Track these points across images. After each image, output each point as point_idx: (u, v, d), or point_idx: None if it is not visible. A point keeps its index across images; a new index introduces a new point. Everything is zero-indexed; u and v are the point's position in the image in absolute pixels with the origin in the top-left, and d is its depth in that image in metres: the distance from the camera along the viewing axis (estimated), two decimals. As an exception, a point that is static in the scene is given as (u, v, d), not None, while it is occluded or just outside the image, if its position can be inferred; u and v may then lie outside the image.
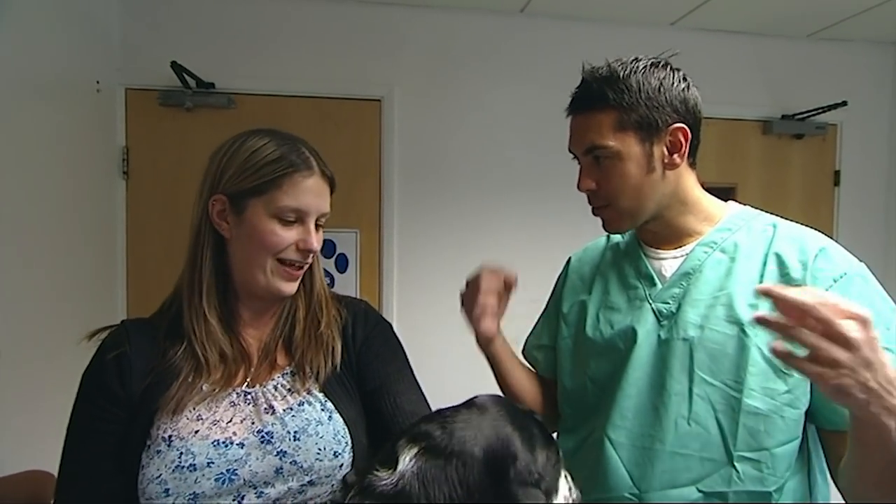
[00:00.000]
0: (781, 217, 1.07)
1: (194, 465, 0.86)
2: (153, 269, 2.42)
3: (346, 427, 0.95)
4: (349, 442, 0.95)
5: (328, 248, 2.56)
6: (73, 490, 0.91)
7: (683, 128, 1.01)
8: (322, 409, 0.96)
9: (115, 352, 0.94)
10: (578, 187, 1.06)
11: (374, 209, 2.61)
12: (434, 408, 1.04)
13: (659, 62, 1.03)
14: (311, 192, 0.97)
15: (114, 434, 0.90)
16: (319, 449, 0.92)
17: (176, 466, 0.86)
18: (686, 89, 1.03)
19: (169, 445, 0.87)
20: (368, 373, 1.02)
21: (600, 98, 1.00)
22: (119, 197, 2.41)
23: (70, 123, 2.00)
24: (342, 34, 2.57)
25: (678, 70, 1.04)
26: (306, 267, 1.01)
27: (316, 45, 2.55)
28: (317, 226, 1.00)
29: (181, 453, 0.86)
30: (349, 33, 2.57)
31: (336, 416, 0.96)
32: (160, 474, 0.86)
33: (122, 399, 0.92)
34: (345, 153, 2.54)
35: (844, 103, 2.75)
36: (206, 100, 2.44)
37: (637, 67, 1.00)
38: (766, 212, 1.09)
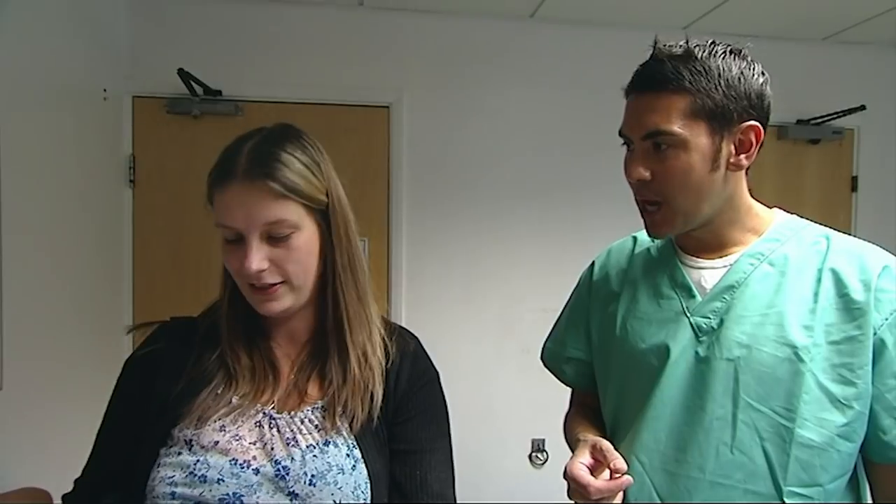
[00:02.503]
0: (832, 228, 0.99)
1: (206, 476, 0.83)
2: (160, 277, 2.40)
3: (368, 481, 0.87)
4: (369, 499, 0.87)
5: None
6: (89, 469, 0.93)
7: (757, 127, 0.91)
8: (347, 455, 0.87)
9: (147, 349, 0.94)
10: (628, 174, 0.95)
11: (382, 217, 2.58)
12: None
13: (739, 50, 0.93)
14: (235, 204, 0.83)
15: (130, 430, 0.90)
16: (335, 501, 0.84)
17: (189, 472, 0.83)
18: (765, 84, 0.93)
19: (189, 449, 0.85)
20: (404, 431, 0.93)
21: (674, 78, 0.88)
22: (126, 205, 2.40)
23: (77, 131, 1.98)
24: (350, 41, 2.55)
25: (757, 62, 0.94)
26: (277, 285, 0.86)
27: (323, 52, 2.53)
28: (276, 238, 0.84)
29: (198, 460, 0.84)
30: (357, 40, 2.56)
31: (361, 466, 0.88)
32: (173, 476, 0.83)
33: (141, 398, 0.90)
34: (353, 160, 2.52)
35: (863, 107, 2.69)
36: (213, 107, 2.42)
37: (716, 51, 0.90)
38: (816, 222, 1.01)
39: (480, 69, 2.64)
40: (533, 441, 2.65)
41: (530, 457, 2.66)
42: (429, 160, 2.61)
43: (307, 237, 0.87)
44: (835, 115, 2.76)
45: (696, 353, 0.94)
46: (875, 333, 0.87)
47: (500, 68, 2.65)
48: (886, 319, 0.87)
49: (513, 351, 2.60)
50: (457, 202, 2.64)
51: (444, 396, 0.99)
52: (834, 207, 2.89)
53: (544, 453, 2.65)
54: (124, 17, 2.37)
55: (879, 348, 0.87)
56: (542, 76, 2.67)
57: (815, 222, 1.02)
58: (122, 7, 2.36)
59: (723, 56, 0.90)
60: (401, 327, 1.01)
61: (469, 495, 2.56)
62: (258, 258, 0.83)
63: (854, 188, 2.90)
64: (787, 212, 1.04)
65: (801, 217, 1.02)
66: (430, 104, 2.61)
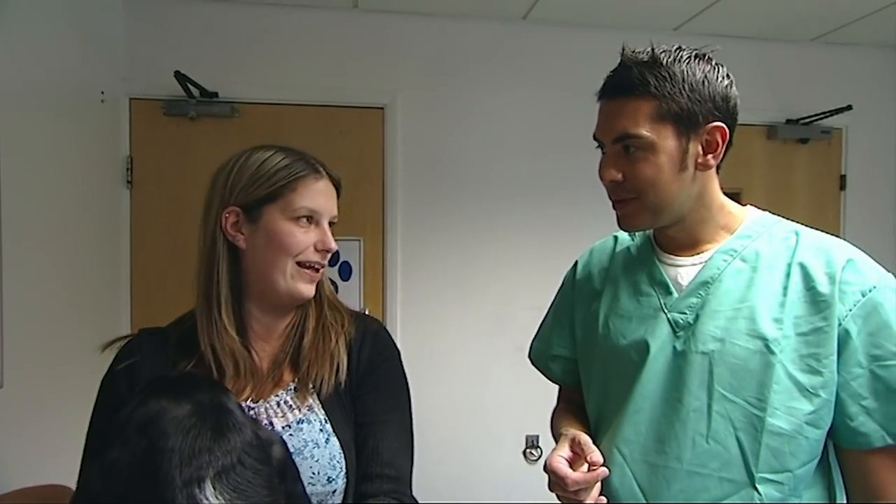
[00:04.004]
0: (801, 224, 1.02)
1: None
2: (157, 278, 2.42)
3: (342, 451, 0.97)
4: (344, 467, 0.96)
5: (332, 256, 2.57)
6: (84, 495, 0.92)
7: (722, 127, 0.95)
8: (321, 430, 0.97)
9: (126, 362, 0.99)
10: (601, 176, 0.99)
11: (377, 217, 2.61)
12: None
13: (704, 54, 0.97)
14: (323, 195, 1.01)
15: None
16: (313, 473, 0.93)
17: None
18: (729, 87, 0.97)
19: None
20: (363, 404, 1.02)
21: (640, 84, 0.93)
22: (123, 206, 2.42)
23: (75, 134, 2.00)
24: (345, 42, 2.58)
25: (721, 65, 0.98)
26: (323, 269, 1.03)
27: (319, 54, 2.56)
28: (331, 225, 1.04)
29: None
30: (352, 41, 2.58)
31: (333, 438, 0.97)
32: None
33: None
34: (348, 161, 2.55)
35: (850, 107, 2.73)
36: (209, 109, 2.45)
37: (681, 56, 0.94)
38: (787, 218, 1.04)
39: (474, 70, 2.67)
40: (527, 437, 2.68)
41: (524, 453, 2.69)
42: (423, 160, 2.64)
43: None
44: (823, 115, 2.79)
45: (674, 347, 0.97)
46: (840, 324, 0.90)
47: (494, 70, 2.68)
48: (850, 311, 0.90)
49: (507, 348, 2.62)
50: (451, 202, 2.66)
51: (404, 374, 1.07)
52: (823, 206, 2.93)
53: (538, 449, 2.68)
54: (121, 21, 2.39)
55: (844, 338, 0.90)
56: (534, 77, 2.70)
57: (787, 219, 1.05)
58: (119, 10, 2.39)
59: (687, 61, 0.94)
60: (366, 314, 1.12)
61: (464, 491, 2.59)
62: (332, 239, 1.02)
63: (843, 186, 2.94)
64: (760, 209, 1.07)
65: (774, 214, 1.05)
66: (425, 105, 2.64)
